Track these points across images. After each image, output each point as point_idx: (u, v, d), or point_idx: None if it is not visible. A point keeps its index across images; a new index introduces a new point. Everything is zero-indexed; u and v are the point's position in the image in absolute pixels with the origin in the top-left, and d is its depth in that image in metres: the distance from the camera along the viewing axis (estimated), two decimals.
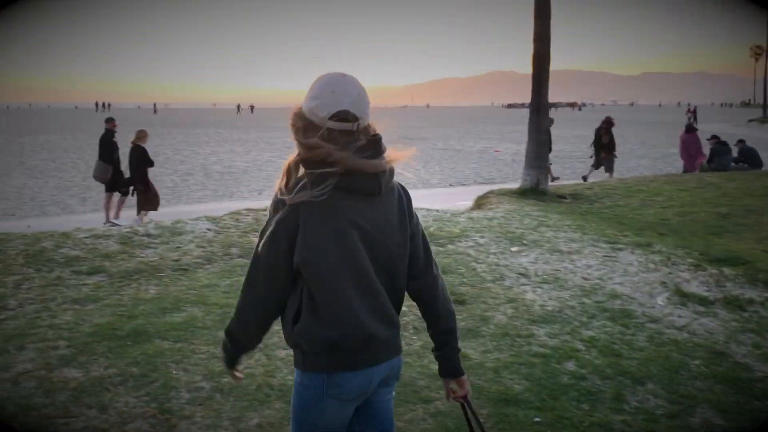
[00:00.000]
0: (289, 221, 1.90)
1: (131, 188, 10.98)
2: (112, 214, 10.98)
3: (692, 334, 4.91)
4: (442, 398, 3.75)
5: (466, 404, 2.25)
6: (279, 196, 1.92)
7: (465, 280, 6.02)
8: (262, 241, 1.96)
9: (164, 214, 10.86)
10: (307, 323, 1.95)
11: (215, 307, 5.08)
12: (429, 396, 3.78)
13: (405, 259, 2.07)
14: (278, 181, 1.95)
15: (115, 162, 11.11)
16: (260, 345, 2.21)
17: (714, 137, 16.88)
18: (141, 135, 11.00)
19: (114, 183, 11.06)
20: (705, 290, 5.96)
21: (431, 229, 7.92)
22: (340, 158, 1.87)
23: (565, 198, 11.34)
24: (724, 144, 16.58)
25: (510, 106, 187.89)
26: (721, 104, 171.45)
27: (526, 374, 4.12)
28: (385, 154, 1.99)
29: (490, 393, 3.85)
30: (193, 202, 14.68)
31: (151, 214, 10.65)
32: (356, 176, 1.90)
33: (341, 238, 1.91)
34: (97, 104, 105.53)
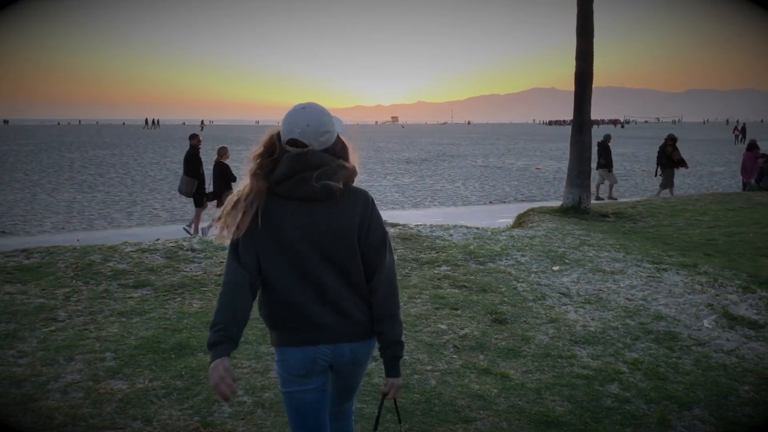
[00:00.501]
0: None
1: (207, 201, 11.57)
2: (193, 227, 11.52)
3: (741, 359, 4.77)
4: (483, 418, 3.72)
5: (383, 400, 2.50)
6: None
7: (505, 299, 5.98)
8: None
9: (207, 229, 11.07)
10: (260, 304, 2.44)
11: (257, 322, 5.09)
12: (469, 416, 3.75)
13: (354, 255, 2.36)
14: None
15: (200, 177, 11.62)
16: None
17: (763, 155, 16.48)
18: (223, 152, 11.54)
19: (200, 197, 11.60)
20: (755, 314, 5.79)
21: (471, 247, 7.90)
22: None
23: (608, 217, 11.18)
24: None
25: (552, 123, 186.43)
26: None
27: (568, 396, 4.06)
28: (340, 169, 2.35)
29: (532, 414, 3.80)
30: None
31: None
32: (292, 187, 2.31)
33: (276, 236, 2.32)
34: (146, 120, 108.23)
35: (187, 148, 12.26)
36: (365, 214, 2.40)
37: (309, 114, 2.34)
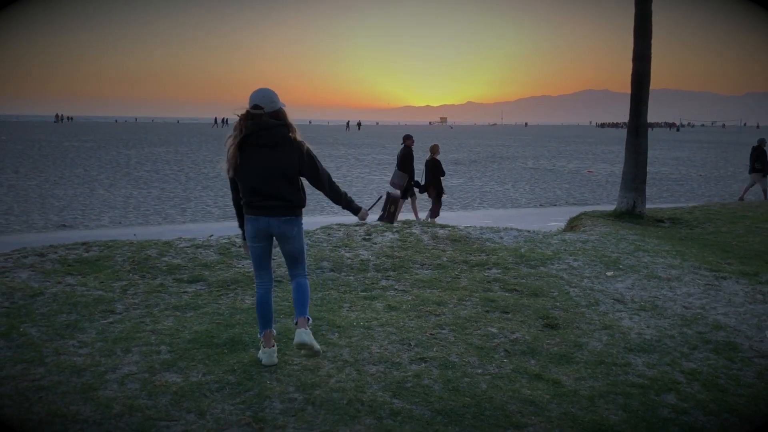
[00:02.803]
0: None
1: (418, 194, 13.14)
2: (397, 216, 12.58)
3: None
4: (535, 424, 3.67)
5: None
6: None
7: (558, 304, 5.88)
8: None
9: None
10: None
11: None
12: (520, 421, 3.69)
13: (291, 174, 4.18)
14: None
15: (411, 172, 12.87)
16: None
17: None
18: (435, 149, 13.25)
19: (407, 190, 12.78)
20: None
21: (522, 250, 7.80)
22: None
23: (663, 222, 10.91)
24: None
25: (604, 125, 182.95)
26: None
27: (623, 405, 3.96)
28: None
29: (585, 422, 3.72)
30: None
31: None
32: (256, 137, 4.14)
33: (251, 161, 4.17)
34: (216, 120, 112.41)
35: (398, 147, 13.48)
36: (302, 160, 4.22)
37: (264, 91, 4.22)
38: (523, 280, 6.56)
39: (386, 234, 8.32)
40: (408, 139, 13.27)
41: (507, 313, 5.57)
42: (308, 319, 4.29)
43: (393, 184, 12.73)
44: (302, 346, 4.15)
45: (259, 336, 4.42)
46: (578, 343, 4.94)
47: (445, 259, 7.32)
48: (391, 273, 6.73)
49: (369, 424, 3.60)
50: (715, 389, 4.24)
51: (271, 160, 4.12)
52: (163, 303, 5.53)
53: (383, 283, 6.40)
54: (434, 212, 12.79)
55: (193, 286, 6.07)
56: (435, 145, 13.46)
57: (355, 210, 4.45)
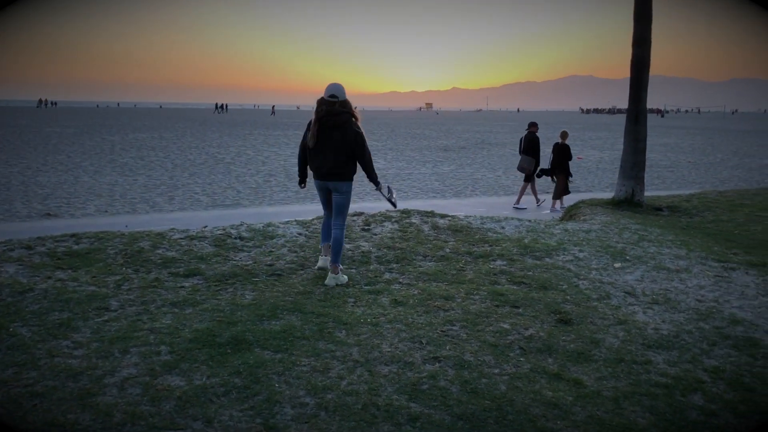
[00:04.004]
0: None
1: (538, 177, 13.87)
2: (521, 199, 13.69)
3: None
4: (561, 429, 3.48)
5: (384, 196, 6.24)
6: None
7: (568, 297, 5.71)
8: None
9: (250, 215, 10.95)
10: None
11: (312, 316, 4.96)
12: (546, 426, 3.51)
13: (349, 153, 5.75)
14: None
15: (538, 157, 13.63)
16: None
17: None
18: (564, 135, 13.85)
19: (533, 173, 13.69)
20: None
21: (525, 240, 7.62)
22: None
23: (662, 210, 10.78)
24: None
25: (588, 111, 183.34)
26: None
27: (649, 407, 3.80)
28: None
29: (612, 426, 3.55)
30: (277, 203, 14.79)
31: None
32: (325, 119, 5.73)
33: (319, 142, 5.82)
34: (216, 105, 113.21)
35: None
36: (355, 141, 5.73)
37: (337, 85, 5.76)
38: (530, 273, 6.38)
39: (385, 224, 8.10)
40: (533, 126, 13.98)
41: (517, 307, 5.39)
42: (338, 266, 5.89)
43: (522, 168, 13.70)
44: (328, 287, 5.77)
45: (320, 246, 6.43)
46: (594, 340, 4.77)
47: (447, 250, 7.12)
48: (394, 265, 6.52)
49: (387, 431, 3.40)
50: (741, 389, 4.09)
51: (334, 140, 5.72)
52: (160, 299, 5.27)
53: (387, 276, 6.19)
54: (558, 193, 13.35)
55: (190, 281, 5.81)
56: (564, 131, 14.20)
57: (375, 183, 6.01)
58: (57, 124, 52.76)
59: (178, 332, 4.56)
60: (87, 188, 16.43)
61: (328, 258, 6.03)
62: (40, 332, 4.46)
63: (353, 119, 5.73)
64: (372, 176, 5.91)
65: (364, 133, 5.80)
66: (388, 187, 6.23)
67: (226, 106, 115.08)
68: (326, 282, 5.76)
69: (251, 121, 66.76)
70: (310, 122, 5.78)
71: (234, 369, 4.02)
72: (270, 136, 41.68)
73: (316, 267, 6.24)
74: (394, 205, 6.33)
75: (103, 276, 5.78)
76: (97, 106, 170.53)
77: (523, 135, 13.91)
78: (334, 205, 5.94)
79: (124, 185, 17.19)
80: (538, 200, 13.88)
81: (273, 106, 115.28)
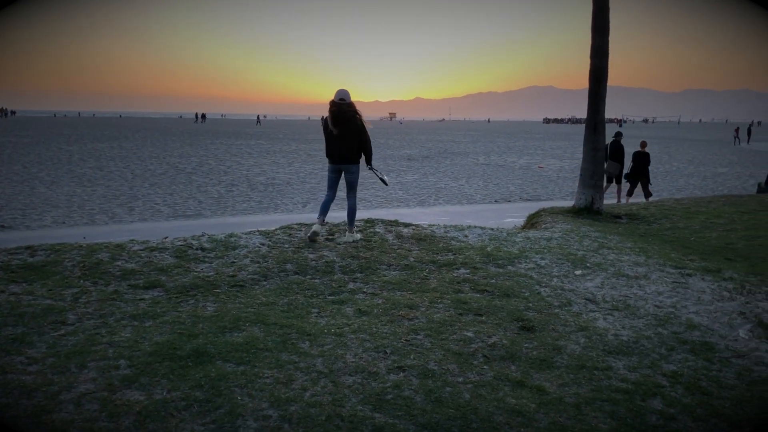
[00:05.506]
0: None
1: (622, 180, 16.25)
2: (612, 200, 15.59)
3: None
4: None
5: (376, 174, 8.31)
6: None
7: (531, 305, 5.76)
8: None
9: (212, 226, 10.82)
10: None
11: (275, 327, 4.91)
12: None
13: (356, 142, 7.63)
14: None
15: (622, 163, 16.09)
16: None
17: None
18: (644, 144, 16.40)
19: (619, 177, 16.16)
20: None
21: (488, 248, 7.68)
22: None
23: (620, 218, 10.97)
24: None
25: (548, 121, 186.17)
26: (758, 122, 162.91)
27: (610, 412, 3.85)
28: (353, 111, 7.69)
29: None
30: (239, 213, 14.65)
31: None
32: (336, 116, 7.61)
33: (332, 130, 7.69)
34: (196, 115, 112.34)
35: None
36: (360, 130, 7.61)
37: (345, 91, 7.66)
38: (493, 281, 6.43)
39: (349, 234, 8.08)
40: (619, 135, 16.30)
41: (481, 315, 5.42)
42: (354, 228, 7.94)
43: (609, 173, 15.51)
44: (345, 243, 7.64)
45: (317, 218, 7.83)
46: (556, 347, 4.82)
47: (412, 259, 7.13)
48: (359, 275, 6.50)
49: None
50: (699, 392, 4.17)
51: (344, 132, 7.52)
52: (119, 312, 5.16)
53: (351, 285, 6.17)
54: (649, 194, 15.81)
55: (150, 293, 5.71)
56: (643, 141, 16.62)
57: (369, 164, 7.97)
58: (11, 134, 51.48)
59: (137, 345, 4.47)
60: (43, 199, 16.06)
61: (320, 226, 7.71)
62: None
63: (357, 115, 7.54)
64: (369, 159, 7.85)
65: (365, 126, 7.63)
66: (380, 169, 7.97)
67: (204, 115, 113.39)
68: (344, 239, 7.69)
69: (246, 133, 66.09)
70: (324, 119, 7.68)
71: (195, 382, 3.95)
72: (232, 145, 41.33)
73: (308, 233, 7.64)
74: (385, 182, 8.03)
75: (59, 289, 5.64)
76: (54, 115, 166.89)
77: (609, 142, 15.17)
78: (347, 182, 7.78)
79: (82, 196, 16.85)
80: (617, 200, 15.90)
81: (202, 114, 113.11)
